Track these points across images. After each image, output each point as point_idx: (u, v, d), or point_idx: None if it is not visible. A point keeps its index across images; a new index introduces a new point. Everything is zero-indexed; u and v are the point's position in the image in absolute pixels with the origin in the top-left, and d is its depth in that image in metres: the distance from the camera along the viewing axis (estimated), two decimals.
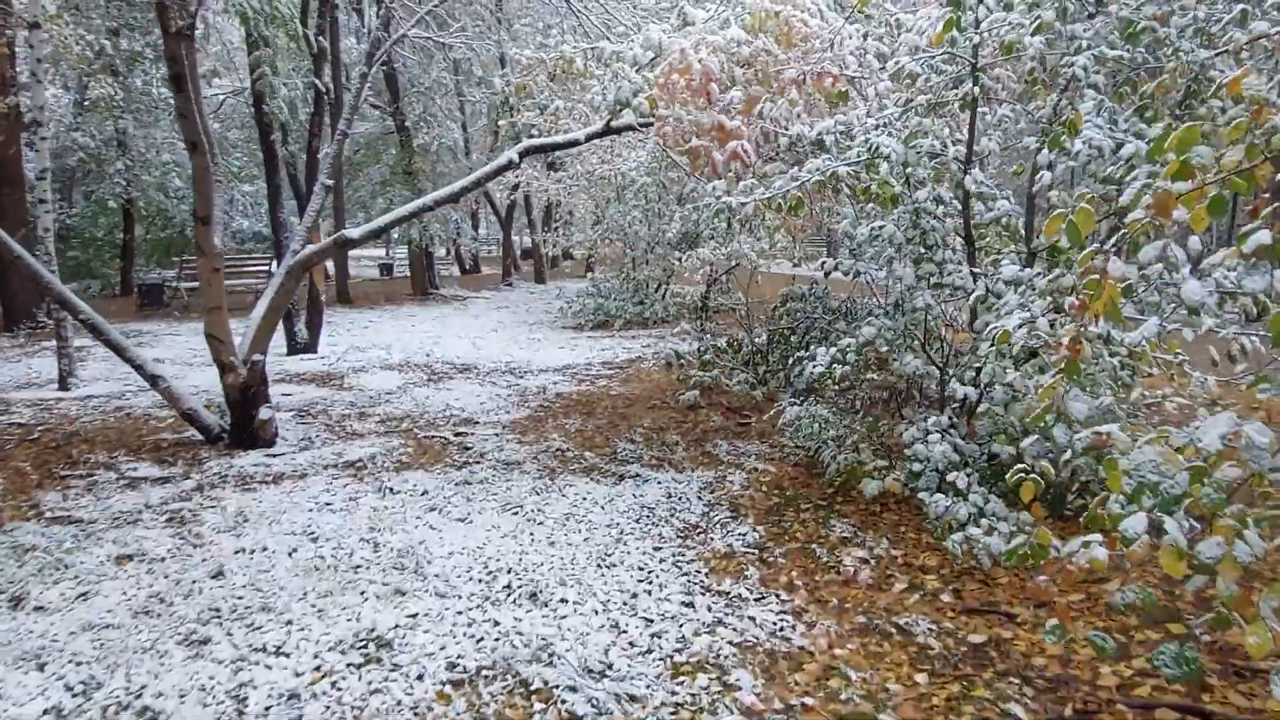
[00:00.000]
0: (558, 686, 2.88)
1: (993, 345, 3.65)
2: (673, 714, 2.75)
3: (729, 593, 3.70)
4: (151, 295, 15.88)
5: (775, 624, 3.40)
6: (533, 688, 2.90)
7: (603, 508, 4.83)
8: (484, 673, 3.01)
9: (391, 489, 5.16)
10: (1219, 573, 1.74)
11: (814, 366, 4.63)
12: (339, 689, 2.89)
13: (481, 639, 3.25)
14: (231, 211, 22.81)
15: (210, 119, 19.56)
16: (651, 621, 3.42)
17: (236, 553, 4.12)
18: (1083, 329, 1.93)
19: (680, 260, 11.48)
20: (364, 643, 3.22)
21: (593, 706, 2.77)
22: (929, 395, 5.49)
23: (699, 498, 5.01)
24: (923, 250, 4.48)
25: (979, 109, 4.55)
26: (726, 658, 3.12)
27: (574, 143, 6.60)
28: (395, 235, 28.86)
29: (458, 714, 2.75)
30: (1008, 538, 3.66)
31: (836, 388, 5.22)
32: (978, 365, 4.11)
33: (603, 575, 3.88)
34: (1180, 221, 2.00)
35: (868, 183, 4.51)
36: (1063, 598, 3.51)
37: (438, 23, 12.32)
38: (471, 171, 6.76)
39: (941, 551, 3.97)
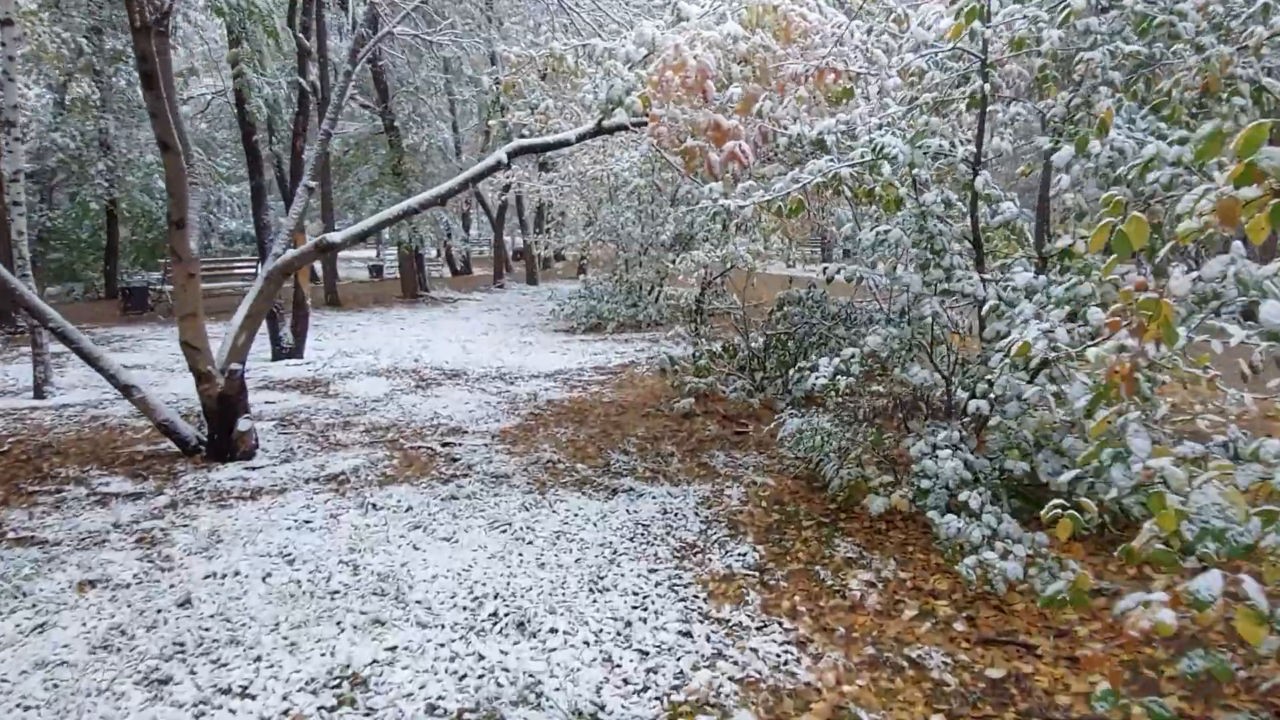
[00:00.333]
0: None
1: (1007, 357, 3.45)
2: None
3: (729, 620, 3.49)
4: (136, 299, 15.57)
5: (779, 656, 3.19)
6: None
7: (595, 525, 4.61)
8: (466, 716, 2.78)
9: (374, 505, 4.93)
10: None
11: (817, 378, 4.41)
12: None
13: (464, 676, 3.03)
14: (219, 213, 22.53)
15: (199, 120, 19.27)
16: (647, 654, 3.20)
17: (206, 578, 3.89)
18: (1137, 356, 1.72)
19: (674, 262, 11.26)
20: (338, 680, 2.99)
21: None
22: (933, 405, 5.28)
23: (696, 514, 4.80)
24: (930, 255, 4.27)
25: (988, 107, 4.34)
26: (728, 696, 2.91)
27: (565, 143, 6.38)
28: (386, 237, 28.59)
29: None
30: (1024, 562, 3.47)
31: (840, 400, 5.01)
32: (989, 377, 3.90)
33: (595, 601, 3.66)
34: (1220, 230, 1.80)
35: (871, 184, 4.31)
36: (1096, 638, 3.30)
37: (426, 20, 12.08)
38: (462, 172, 6.52)
39: (953, 574, 3.76)
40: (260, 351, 10.50)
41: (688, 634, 3.36)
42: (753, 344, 7.94)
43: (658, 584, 3.85)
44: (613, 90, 5.64)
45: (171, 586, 3.80)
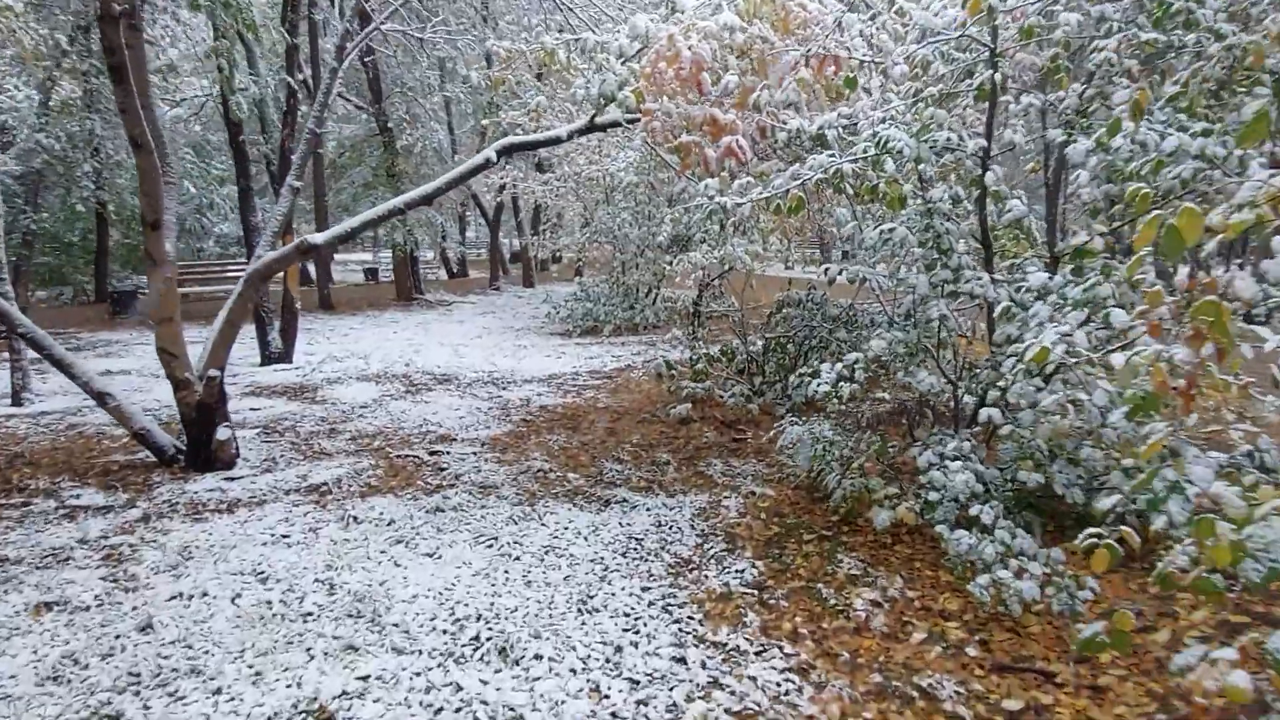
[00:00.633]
0: None
1: (1021, 362, 3.23)
2: None
3: (726, 644, 3.27)
4: (124, 302, 15.34)
5: (779, 685, 2.97)
6: None
7: (586, 539, 4.39)
8: None
9: (355, 518, 4.71)
10: None
11: (819, 385, 4.20)
12: None
13: (440, 710, 2.81)
14: (213, 217, 22.27)
15: (193, 122, 19.02)
16: (638, 683, 2.98)
17: (171, 599, 3.66)
18: (1199, 366, 1.51)
19: (671, 264, 11.04)
20: (303, 715, 2.77)
21: None
22: (939, 410, 5.06)
23: (691, 526, 4.58)
24: (936, 255, 4.05)
25: (999, 98, 4.12)
26: None
27: (556, 140, 6.16)
28: (381, 239, 28.36)
29: None
30: (1040, 581, 3.25)
31: (842, 406, 4.79)
32: (1001, 384, 3.68)
33: (583, 623, 3.44)
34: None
35: (874, 181, 4.09)
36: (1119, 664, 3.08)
37: (418, 18, 11.87)
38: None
39: (963, 593, 3.54)
40: (249, 356, 10.29)
41: (681, 660, 3.14)
42: (751, 347, 7.72)
43: (650, 604, 3.63)
44: (605, 85, 5.42)
45: (134, 609, 3.57)
